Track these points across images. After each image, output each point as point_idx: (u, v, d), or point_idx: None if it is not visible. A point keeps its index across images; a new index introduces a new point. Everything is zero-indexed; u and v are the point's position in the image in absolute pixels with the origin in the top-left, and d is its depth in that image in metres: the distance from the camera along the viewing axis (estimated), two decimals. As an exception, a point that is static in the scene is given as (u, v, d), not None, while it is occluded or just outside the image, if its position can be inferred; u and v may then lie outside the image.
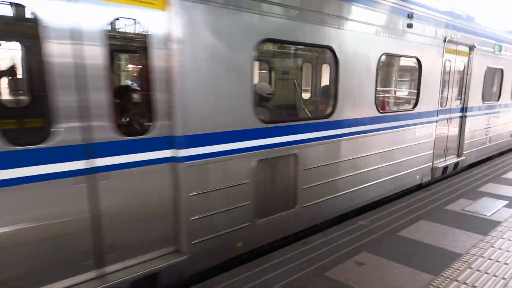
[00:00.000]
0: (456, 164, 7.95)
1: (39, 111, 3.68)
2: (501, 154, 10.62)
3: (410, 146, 6.43)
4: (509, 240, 4.67)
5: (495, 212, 5.66)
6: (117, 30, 4.83)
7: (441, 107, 7.14)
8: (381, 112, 5.64)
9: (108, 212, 3.07)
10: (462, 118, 8.01)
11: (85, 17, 2.80)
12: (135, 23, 3.98)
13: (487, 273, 3.87)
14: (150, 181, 3.31)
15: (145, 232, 3.34)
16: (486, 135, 9.23)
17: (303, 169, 4.56)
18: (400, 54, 6.11)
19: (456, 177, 7.72)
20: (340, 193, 5.18)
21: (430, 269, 3.94)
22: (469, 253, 4.32)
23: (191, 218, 3.59)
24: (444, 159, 7.62)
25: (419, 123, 6.55)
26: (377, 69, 5.40)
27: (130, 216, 3.22)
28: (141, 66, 4.59)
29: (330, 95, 4.95)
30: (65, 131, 2.79)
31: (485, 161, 9.46)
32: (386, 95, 7.47)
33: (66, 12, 2.71)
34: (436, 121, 7.02)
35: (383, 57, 5.52)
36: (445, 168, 7.57)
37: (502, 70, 9.43)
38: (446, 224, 5.16)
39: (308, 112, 6.09)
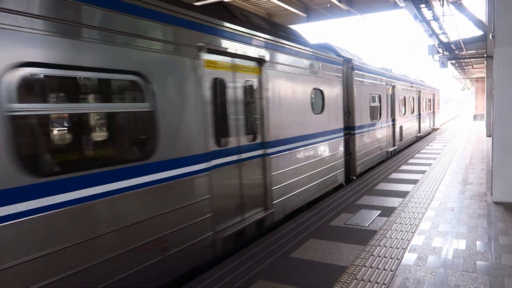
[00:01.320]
0: None
1: None
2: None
3: None
4: (385, 246, 5.14)
5: (371, 222, 6.21)
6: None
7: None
8: None
9: None
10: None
11: None
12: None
13: (370, 281, 4.16)
14: None
15: None
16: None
17: None
18: None
19: (337, 193, 8.35)
20: None
21: (321, 287, 4.09)
22: (353, 264, 4.61)
23: None
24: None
25: None
26: None
27: None
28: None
29: None
30: None
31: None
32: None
33: None
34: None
35: None
36: None
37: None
38: (332, 240, 5.48)
39: None
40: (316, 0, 18.45)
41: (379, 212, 6.76)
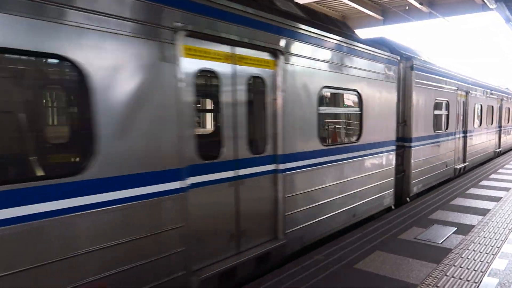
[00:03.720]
0: None
1: None
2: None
3: None
4: (460, 267, 4.71)
5: (445, 239, 5.75)
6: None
7: None
8: None
9: None
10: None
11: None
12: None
13: (442, 303, 3.84)
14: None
15: None
16: None
17: None
18: None
19: (407, 205, 7.88)
20: None
21: (387, 303, 3.85)
22: (424, 283, 4.28)
23: None
24: None
25: None
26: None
27: None
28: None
29: None
30: None
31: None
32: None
33: None
34: None
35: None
36: None
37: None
38: (400, 254, 5.16)
39: None
40: (394, 2, 17.68)
41: (454, 229, 6.24)
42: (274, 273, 4.51)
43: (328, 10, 18.95)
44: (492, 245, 5.50)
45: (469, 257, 5.03)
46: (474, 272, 4.58)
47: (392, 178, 7.77)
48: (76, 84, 3.10)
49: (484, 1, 12.26)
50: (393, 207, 7.90)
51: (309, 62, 5.34)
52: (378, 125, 7.15)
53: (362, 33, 21.50)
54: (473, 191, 9.31)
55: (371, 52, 6.81)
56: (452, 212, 7.33)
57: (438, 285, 4.23)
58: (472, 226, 6.38)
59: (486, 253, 5.19)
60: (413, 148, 8.58)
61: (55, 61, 3.11)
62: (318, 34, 5.47)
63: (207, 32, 3.93)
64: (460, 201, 8.20)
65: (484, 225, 6.46)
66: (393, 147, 7.76)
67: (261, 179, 4.75)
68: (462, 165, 12.29)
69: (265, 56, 4.74)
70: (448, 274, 4.52)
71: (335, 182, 5.99)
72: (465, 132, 12.53)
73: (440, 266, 4.76)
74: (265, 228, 4.86)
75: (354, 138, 6.68)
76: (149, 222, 3.46)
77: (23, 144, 3.27)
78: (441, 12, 17.21)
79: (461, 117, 12.12)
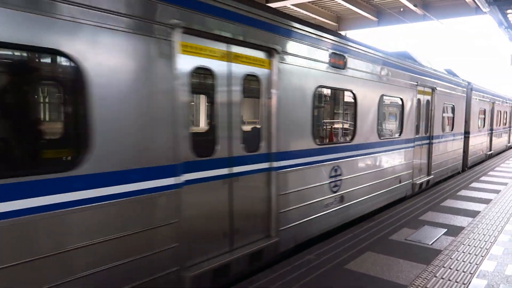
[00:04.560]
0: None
1: None
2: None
3: None
4: (450, 268, 4.76)
5: (435, 240, 5.81)
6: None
7: None
8: None
9: None
10: None
11: None
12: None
13: (431, 304, 3.87)
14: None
15: None
16: None
17: None
18: None
19: (398, 206, 7.94)
20: None
21: (377, 304, 3.87)
22: (413, 284, 4.33)
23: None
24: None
25: None
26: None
27: None
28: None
29: None
30: None
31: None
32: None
33: None
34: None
35: None
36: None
37: None
38: (391, 255, 5.20)
39: None
40: (389, 4, 17.77)
41: (444, 230, 6.30)
42: (265, 273, 4.52)
43: (323, 10, 19.00)
44: (482, 246, 5.56)
45: (458, 259, 5.09)
46: (463, 273, 4.63)
47: (462, 154, 13.45)
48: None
49: (477, 4, 12.38)
50: (460, 171, 13.38)
51: (442, 91, 10.79)
52: (459, 122, 12.63)
53: (357, 34, 21.56)
54: (463, 193, 9.41)
55: (460, 82, 12.70)
56: (443, 213, 7.41)
57: (428, 286, 4.27)
58: (462, 228, 6.45)
59: (475, 254, 5.25)
60: (470, 137, 14.07)
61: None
62: (445, 78, 11.22)
63: (424, 84, 9.42)
64: (450, 203, 8.28)
65: (474, 227, 6.53)
66: (463, 136, 13.38)
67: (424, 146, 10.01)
68: (489, 152, 17.94)
69: (430, 90, 9.96)
70: (437, 275, 4.56)
71: (450, 150, 11.91)
72: (491, 130, 17.93)
73: (430, 267, 4.81)
74: (425, 169, 10.04)
75: (451, 129, 11.96)
76: (406, 159, 8.73)
77: None
78: (435, 14, 17.34)
79: (490, 120, 17.52)
